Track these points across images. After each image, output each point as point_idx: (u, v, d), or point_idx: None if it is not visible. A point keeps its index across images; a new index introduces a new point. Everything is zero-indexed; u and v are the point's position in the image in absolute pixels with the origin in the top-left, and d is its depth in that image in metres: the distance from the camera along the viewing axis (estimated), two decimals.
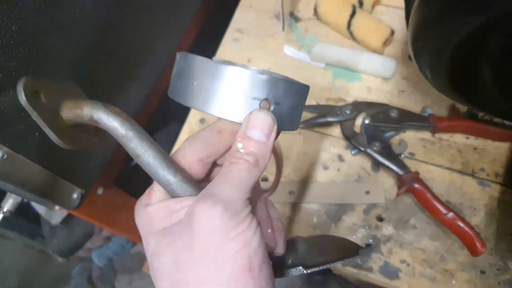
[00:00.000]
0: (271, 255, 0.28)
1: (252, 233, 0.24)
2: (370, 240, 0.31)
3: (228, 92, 0.25)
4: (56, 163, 0.48)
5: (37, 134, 0.44)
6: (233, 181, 0.25)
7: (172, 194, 0.27)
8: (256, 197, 0.29)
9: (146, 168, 0.26)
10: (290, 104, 0.26)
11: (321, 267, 0.28)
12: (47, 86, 0.24)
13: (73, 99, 0.27)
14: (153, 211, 0.27)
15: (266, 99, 0.25)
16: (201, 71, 0.25)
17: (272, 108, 0.25)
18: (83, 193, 0.55)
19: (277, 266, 0.30)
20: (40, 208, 0.74)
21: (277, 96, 0.25)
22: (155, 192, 0.28)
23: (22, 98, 0.22)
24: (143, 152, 0.25)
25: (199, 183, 0.29)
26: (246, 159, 0.25)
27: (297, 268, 0.29)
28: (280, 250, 0.29)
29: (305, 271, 0.29)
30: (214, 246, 0.23)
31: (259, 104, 0.25)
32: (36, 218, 1.10)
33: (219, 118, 0.26)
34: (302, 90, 0.27)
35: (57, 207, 0.54)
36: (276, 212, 0.31)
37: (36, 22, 0.40)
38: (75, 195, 0.54)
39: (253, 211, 0.27)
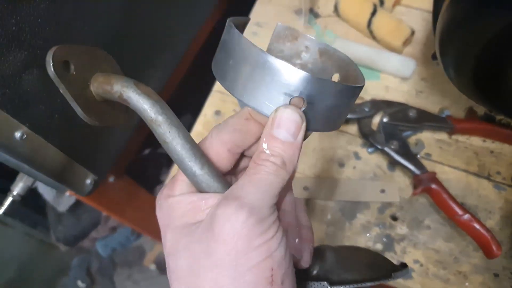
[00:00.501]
0: (294, 266, 0.26)
1: (277, 243, 0.22)
2: (404, 261, 0.28)
3: (259, 80, 0.23)
4: (73, 147, 0.48)
5: (56, 116, 0.43)
6: (259, 184, 0.23)
7: (198, 188, 0.25)
8: (284, 201, 0.27)
9: (173, 156, 0.25)
10: (328, 104, 0.24)
11: (348, 286, 0.26)
12: (79, 56, 0.23)
13: (105, 72, 0.25)
14: (175, 204, 0.25)
15: (299, 96, 0.23)
16: (237, 50, 0.23)
17: (304, 107, 0.23)
18: (96, 179, 0.55)
19: (300, 276, 0.28)
20: (47, 194, 0.74)
21: (313, 95, 0.23)
22: (180, 183, 0.26)
23: (51, 69, 0.21)
24: (171, 139, 0.24)
25: (226, 175, 0.28)
26: (273, 161, 0.23)
27: (322, 283, 0.27)
28: (305, 263, 0.27)
29: (330, 287, 0.27)
30: (235, 254, 0.22)
31: (290, 101, 0.23)
32: (39, 207, 1.09)
33: (247, 105, 0.24)
34: (349, 91, 0.24)
35: (67, 193, 0.54)
36: (307, 219, 0.29)
37: (64, 3, 0.40)
38: (88, 181, 0.54)
39: (280, 217, 0.25)
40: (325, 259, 0.28)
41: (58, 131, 0.43)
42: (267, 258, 0.22)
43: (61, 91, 0.22)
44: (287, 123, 0.23)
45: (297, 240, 0.26)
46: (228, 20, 0.25)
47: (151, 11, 0.55)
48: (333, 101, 0.24)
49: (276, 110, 0.23)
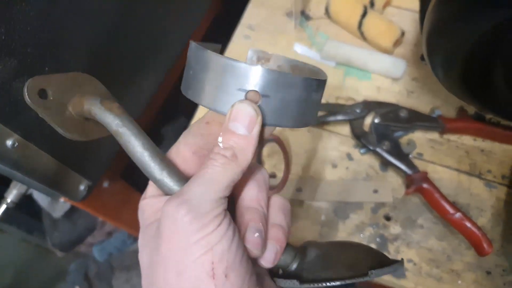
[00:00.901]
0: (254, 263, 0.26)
1: (219, 237, 0.22)
2: (401, 258, 0.26)
3: (215, 82, 0.24)
4: (65, 153, 0.48)
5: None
6: (203, 179, 0.23)
7: (162, 191, 0.26)
8: (247, 197, 0.27)
9: (137, 164, 0.26)
10: (287, 98, 0.24)
11: (318, 284, 0.26)
12: (57, 83, 0.25)
13: (86, 93, 0.27)
14: (143, 206, 0.27)
15: (253, 90, 0.23)
16: (194, 58, 0.25)
17: (260, 101, 0.23)
18: (90, 185, 0.55)
19: (275, 272, 0.29)
20: (42, 201, 0.74)
21: (269, 88, 0.23)
22: (151, 186, 0.28)
23: (26, 98, 0.24)
24: (131, 148, 0.26)
25: None
26: (223, 154, 0.24)
27: (292, 280, 0.26)
28: (267, 262, 0.26)
29: (299, 286, 0.26)
30: (177, 250, 0.22)
31: (245, 96, 0.23)
32: (34, 212, 1.09)
33: (208, 107, 0.25)
34: (306, 82, 0.24)
35: (62, 199, 0.54)
36: (283, 219, 0.28)
37: (55, 9, 0.40)
38: (82, 187, 0.54)
39: (240, 212, 0.26)
40: (305, 256, 0.28)
41: (50, 138, 0.43)
42: (207, 252, 0.22)
43: (39, 115, 0.24)
44: (241, 116, 0.23)
45: (256, 234, 0.25)
46: (190, 41, 0.26)
47: (144, 13, 0.55)
48: (291, 93, 0.24)
49: (232, 105, 0.24)
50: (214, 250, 0.22)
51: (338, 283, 0.25)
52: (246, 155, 0.24)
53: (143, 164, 0.26)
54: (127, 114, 0.27)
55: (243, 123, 0.24)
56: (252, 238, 0.25)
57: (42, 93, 0.24)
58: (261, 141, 0.26)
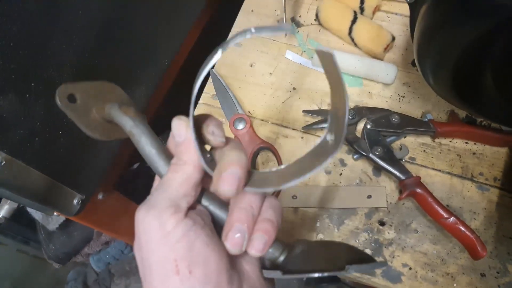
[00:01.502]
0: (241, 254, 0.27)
1: (178, 236, 0.24)
2: (381, 258, 0.28)
3: None
4: (56, 168, 0.48)
5: (37, 139, 0.43)
6: (161, 184, 0.27)
7: None
8: (240, 195, 0.28)
9: (146, 160, 0.29)
10: None
11: (298, 275, 0.27)
12: (83, 89, 0.29)
13: (110, 99, 0.31)
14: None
15: None
16: None
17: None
18: (84, 198, 0.55)
19: (265, 264, 0.31)
20: (36, 214, 0.73)
21: None
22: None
23: (57, 101, 0.27)
24: (141, 146, 0.29)
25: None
26: (172, 162, 0.28)
27: (276, 271, 0.28)
28: (256, 251, 0.27)
29: (282, 276, 0.28)
30: (146, 250, 0.25)
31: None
32: (30, 222, 1.08)
33: None
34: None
35: (55, 213, 0.53)
36: (271, 214, 0.28)
37: (38, 23, 0.40)
38: (75, 201, 0.54)
39: (230, 210, 0.28)
40: (293, 251, 0.29)
41: (39, 154, 0.43)
42: (169, 250, 0.24)
43: (68, 116, 0.28)
44: (174, 129, 0.28)
45: (237, 235, 0.26)
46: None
47: (135, 21, 0.55)
48: None
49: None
50: (176, 248, 0.24)
51: (316, 275, 0.27)
52: (189, 153, 0.27)
53: (151, 160, 0.29)
54: (141, 117, 0.30)
55: (177, 133, 0.28)
56: (232, 238, 0.26)
57: (71, 98, 0.28)
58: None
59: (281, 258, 0.29)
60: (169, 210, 0.25)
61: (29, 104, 0.40)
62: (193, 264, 0.24)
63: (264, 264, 0.31)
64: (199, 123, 0.28)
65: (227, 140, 0.29)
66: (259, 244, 0.27)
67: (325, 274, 0.27)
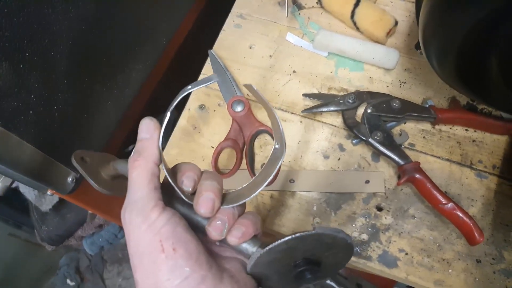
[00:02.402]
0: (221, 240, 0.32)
1: (162, 223, 0.28)
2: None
3: None
4: (50, 144, 0.47)
5: (31, 112, 0.42)
6: (130, 184, 0.30)
7: None
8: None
9: None
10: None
11: (275, 243, 0.30)
12: (91, 155, 0.35)
13: (108, 162, 0.36)
14: None
15: None
16: None
17: None
18: (78, 177, 0.54)
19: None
20: (29, 194, 0.72)
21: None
22: None
23: (74, 161, 0.33)
24: None
25: None
26: (132, 158, 0.30)
27: (257, 250, 0.31)
28: (233, 238, 0.31)
29: (261, 250, 0.30)
30: (133, 240, 0.28)
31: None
32: (22, 206, 1.07)
33: None
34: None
35: (49, 192, 0.52)
36: (252, 217, 0.33)
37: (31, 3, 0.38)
38: (69, 179, 0.53)
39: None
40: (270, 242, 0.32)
41: (34, 129, 0.42)
42: (155, 235, 0.28)
43: (80, 173, 0.33)
44: (143, 126, 0.31)
45: (218, 222, 0.31)
46: None
47: (129, 3, 0.54)
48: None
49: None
50: (161, 232, 0.28)
51: (289, 237, 0.29)
52: (151, 150, 0.30)
53: None
54: None
55: (145, 131, 0.31)
56: (214, 224, 0.31)
57: (83, 159, 0.34)
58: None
59: (264, 245, 0.31)
60: (149, 204, 0.28)
61: (24, 75, 0.39)
62: (176, 243, 0.28)
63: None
64: (175, 170, 0.33)
65: (203, 172, 0.34)
66: (237, 233, 0.31)
67: (297, 235, 0.29)
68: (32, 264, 1.41)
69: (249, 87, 0.34)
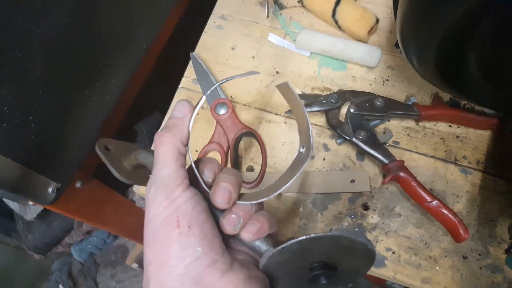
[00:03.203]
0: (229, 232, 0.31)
1: (184, 200, 0.28)
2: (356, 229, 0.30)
3: None
4: (28, 156, 0.46)
5: (4, 124, 0.41)
6: (156, 162, 0.30)
7: None
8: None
9: None
10: None
11: (288, 242, 0.29)
12: (115, 144, 0.35)
13: (130, 152, 0.36)
14: None
15: None
16: None
17: None
18: (59, 187, 0.53)
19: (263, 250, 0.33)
20: (13, 204, 0.71)
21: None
22: None
23: (97, 149, 0.32)
24: None
25: None
26: (160, 133, 0.30)
27: (269, 249, 0.31)
28: (247, 232, 0.31)
29: (273, 250, 0.30)
30: (151, 215, 0.28)
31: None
32: (10, 213, 1.05)
33: None
34: None
35: (30, 202, 0.51)
36: (266, 215, 0.33)
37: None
38: (50, 190, 0.52)
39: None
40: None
41: (9, 141, 0.41)
42: (174, 211, 0.28)
43: (103, 161, 0.32)
44: (178, 106, 0.32)
45: (233, 216, 0.30)
46: None
47: (108, 8, 0.53)
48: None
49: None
50: (180, 208, 0.28)
51: (304, 237, 0.28)
52: (180, 128, 0.31)
53: None
54: None
55: (179, 111, 0.31)
56: (229, 218, 0.30)
57: (107, 148, 0.34)
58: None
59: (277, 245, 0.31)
60: (175, 182, 0.28)
61: None
62: (193, 221, 0.28)
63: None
64: (198, 162, 0.33)
65: (224, 168, 0.34)
66: (252, 229, 0.31)
67: (312, 236, 0.28)
68: (24, 271, 1.39)
69: (284, 87, 0.32)
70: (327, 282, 0.31)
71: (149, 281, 0.28)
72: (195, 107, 0.32)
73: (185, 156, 0.31)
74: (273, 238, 0.33)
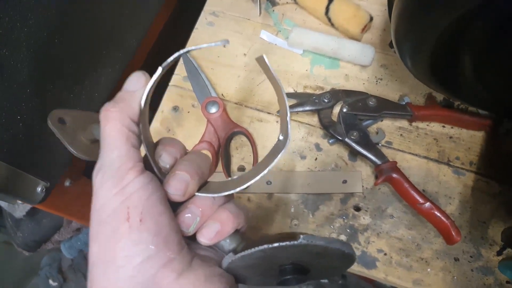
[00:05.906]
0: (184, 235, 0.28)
1: (136, 187, 0.24)
2: (356, 244, 0.27)
3: None
4: (16, 156, 0.45)
5: None
6: (104, 138, 0.26)
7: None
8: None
9: None
10: None
11: (249, 250, 0.27)
12: (73, 115, 0.32)
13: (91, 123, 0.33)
14: None
15: None
16: None
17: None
18: (48, 186, 0.52)
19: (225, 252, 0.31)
20: (1, 201, 0.70)
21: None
22: None
23: (49, 123, 0.29)
24: None
25: None
26: (106, 108, 0.26)
27: (229, 254, 0.28)
28: (204, 237, 0.28)
29: (234, 256, 0.28)
30: (98, 205, 0.24)
31: None
32: None
33: None
34: None
35: (19, 201, 0.50)
36: (234, 208, 0.29)
37: None
38: (39, 189, 0.51)
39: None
40: (252, 242, 0.29)
41: None
42: (124, 200, 0.24)
43: (56, 135, 0.29)
44: (132, 79, 0.28)
45: (187, 215, 0.27)
46: None
47: (96, 6, 0.51)
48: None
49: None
50: (131, 197, 0.24)
51: (265, 246, 0.26)
52: (129, 103, 0.26)
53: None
54: None
55: (132, 83, 0.27)
56: (183, 216, 0.27)
57: (61, 121, 0.30)
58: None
59: (239, 249, 0.28)
60: (126, 166, 0.25)
61: None
62: (146, 213, 0.24)
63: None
64: (157, 143, 0.29)
65: (189, 152, 0.30)
66: (209, 233, 0.27)
67: (275, 245, 0.26)
68: (13, 266, 1.38)
69: (260, 60, 0.28)
70: (298, 283, 0.29)
71: (91, 285, 0.24)
72: (151, 81, 0.28)
73: (136, 135, 0.27)
74: (240, 235, 0.30)
